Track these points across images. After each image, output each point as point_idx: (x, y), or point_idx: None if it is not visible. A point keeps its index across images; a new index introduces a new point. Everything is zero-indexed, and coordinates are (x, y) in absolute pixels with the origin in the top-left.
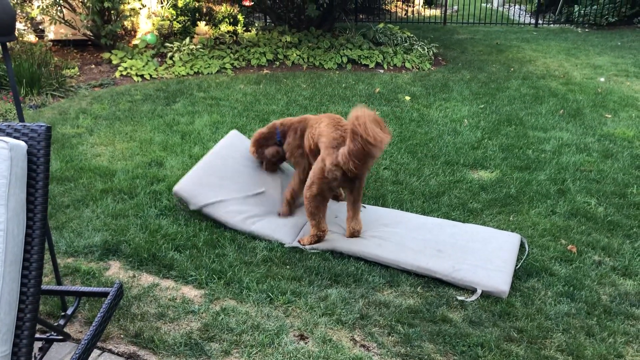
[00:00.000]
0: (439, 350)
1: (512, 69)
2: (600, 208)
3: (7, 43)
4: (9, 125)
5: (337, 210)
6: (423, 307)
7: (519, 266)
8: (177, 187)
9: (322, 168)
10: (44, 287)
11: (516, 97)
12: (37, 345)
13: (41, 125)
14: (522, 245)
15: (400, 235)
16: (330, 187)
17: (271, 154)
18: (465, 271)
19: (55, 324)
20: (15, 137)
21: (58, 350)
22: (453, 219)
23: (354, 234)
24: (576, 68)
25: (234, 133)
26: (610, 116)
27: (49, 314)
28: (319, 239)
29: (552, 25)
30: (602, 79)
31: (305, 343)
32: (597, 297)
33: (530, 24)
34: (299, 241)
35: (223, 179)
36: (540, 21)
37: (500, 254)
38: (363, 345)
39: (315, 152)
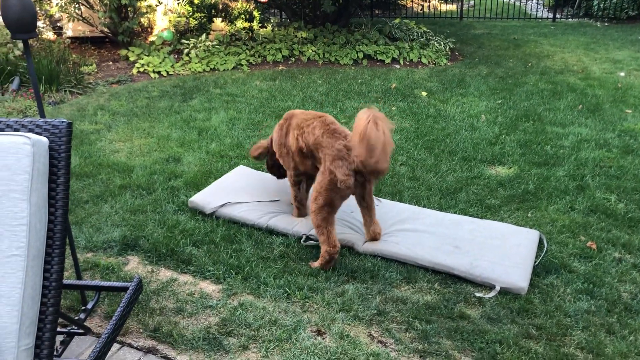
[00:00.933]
0: (457, 347)
1: (529, 64)
2: (620, 204)
3: (29, 40)
4: (31, 121)
5: (354, 205)
6: (440, 303)
7: (537, 263)
8: (191, 199)
9: (331, 180)
10: (64, 281)
11: (534, 92)
12: (59, 338)
13: (62, 121)
14: (540, 241)
15: (418, 232)
16: (342, 196)
17: (265, 155)
18: (483, 268)
19: (76, 318)
20: (37, 133)
21: (79, 344)
22: (471, 216)
23: (375, 237)
24: (595, 63)
25: (240, 168)
26: (630, 111)
27: (69, 308)
28: (330, 258)
29: (570, 19)
30: (622, 74)
31: (323, 339)
32: (617, 294)
33: (548, 18)
34: (309, 265)
35: (236, 190)
36: (558, 15)
37: (518, 250)
38: (380, 341)
39: (307, 155)
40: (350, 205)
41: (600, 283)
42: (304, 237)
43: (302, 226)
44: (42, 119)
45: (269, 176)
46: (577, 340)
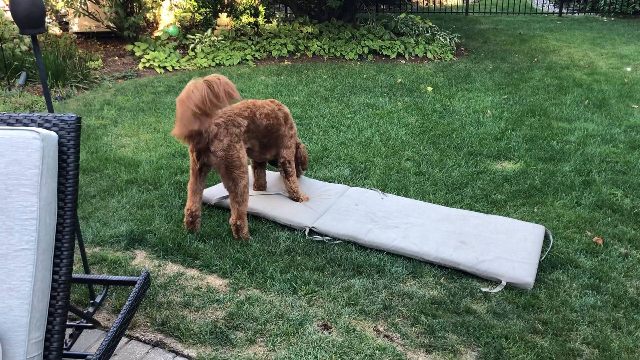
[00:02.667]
0: (463, 342)
1: (535, 59)
2: (626, 200)
3: (37, 35)
4: (40, 116)
5: (357, 199)
6: (447, 298)
7: (543, 258)
8: None
9: None
10: (73, 275)
11: (540, 87)
12: (68, 332)
13: (71, 116)
14: (546, 237)
15: (423, 227)
16: (193, 159)
17: None
18: (489, 263)
19: (85, 311)
20: (46, 128)
21: (87, 337)
22: (476, 211)
23: (232, 228)
24: (601, 58)
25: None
26: (637, 107)
27: (77, 302)
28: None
29: (576, 14)
30: (629, 69)
31: (329, 333)
32: (623, 289)
33: (554, 13)
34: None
35: None
36: (564, 10)
37: (524, 245)
38: (387, 336)
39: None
40: (354, 199)
41: (606, 278)
42: (307, 229)
43: (304, 217)
44: (51, 114)
45: (274, 170)
46: (583, 335)
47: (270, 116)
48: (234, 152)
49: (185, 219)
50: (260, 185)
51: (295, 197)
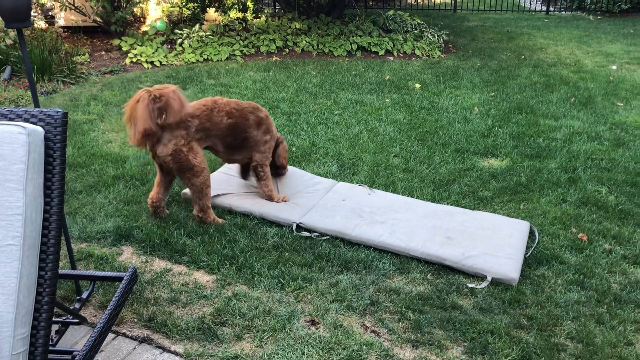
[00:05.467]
0: (449, 337)
1: (522, 57)
2: (611, 196)
3: (22, 29)
4: (26, 111)
5: (344, 194)
6: (433, 294)
7: (529, 254)
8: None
9: None
10: (59, 271)
11: (527, 85)
12: (54, 328)
13: (58, 111)
14: (532, 232)
15: (410, 223)
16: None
17: None
18: (475, 258)
19: (71, 307)
20: (32, 123)
21: (73, 334)
22: (463, 207)
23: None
24: (588, 56)
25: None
26: (622, 104)
27: (64, 298)
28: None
29: (563, 12)
30: (614, 67)
31: (317, 328)
32: (607, 285)
33: (541, 11)
34: None
35: (229, 183)
36: (551, 8)
37: (510, 241)
38: (374, 331)
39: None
40: (342, 194)
41: (590, 274)
42: (295, 225)
43: (291, 213)
44: (37, 109)
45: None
46: (567, 330)
47: (232, 115)
48: (181, 156)
49: (149, 208)
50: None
51: (269, 199)
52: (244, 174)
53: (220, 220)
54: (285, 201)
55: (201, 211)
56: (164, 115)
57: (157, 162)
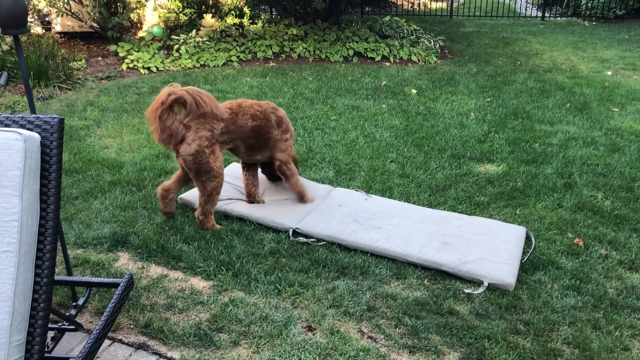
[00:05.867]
0: (446, 342)
1: (518, 62)
2: (607, 202)
3: (19, 35)
4: (23, 117)
5: (341, 200)
6: (430, 299)
7: (525, 259)
8: (181, 196)
9: None
10: (55, 277)
11: (523, 90)
12: (50, 334)
13: (54, 117)
14: (528, 238)
15: (407, 228)
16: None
17: None
18: (471, 264)
19: (67, 314)
20: (28, 129)
21: (69, 340)
22: (460, 212)
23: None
24: (583, 61)
25: (233, 165)
26: (617, 110)
27: (59, 304)
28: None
29: (559, 18)
30: (610, 73)
31: (313, 334)
32: (603, 290)
33: (537, 17)
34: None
35: (225, 189)
36: (547, 14)
37: (506, 246)
38: (370, 337)
39: None
40: (338, 200)
41: (586, 279)
42: (292, 231)
43: (287, 217)
44: (34, 115)
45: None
46: (563, 335)
47: (257, 117)
48: (202, 158)
49: (158, 194)
50: (250, 194)
51: (301, 195)
52: (270, 175)
53: (218, 227)
54: (312, 201)
55: (203, 214)
56: (184, 111)
57: (179, 160)
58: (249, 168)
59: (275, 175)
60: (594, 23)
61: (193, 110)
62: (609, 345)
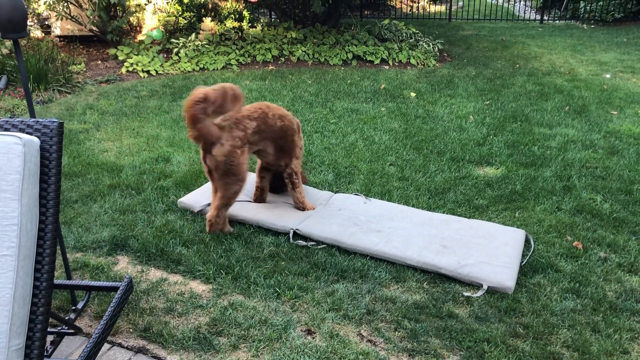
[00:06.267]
0: (445, 346)
1: (517, 66)
2: (606, 205)
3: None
4: (22, 121)
5: (340, 203)
6: (429, 302)
7: (524, 262)
8: (181, 199)
9: None
10: (55, 281)
11: (521, 93)
12: (49, 338)
13: (53, 121)
14: (527, 241)
15: (406, 231)
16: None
17: None
18: (470, 267)
19: (66, 318)
20: (27, 133)
21: (69, 344)
22: (459, 215)
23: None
24: (582, 64)
25: None
26: (616, 113)
27: (59, 308)
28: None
29: (557, 21)
30: (608, 76)
31: (313, 338)
32: (602, 293)
33: (535, 20)
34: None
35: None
36: (545, 17)
37: (505, 249)
38: (370, 341)
39: None
40: (338, 204)
41: (586, 282)
42: (292, 231)
43: (288, 220)
44: (33, 119)
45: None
46: (563, 338)
47: (285, 118)
48: (234, 159)
49: (207, 227)
50: (260, 198)
51: (301, 207)
52: (275, 187)
53: (231, 229)
54: (313, 209)
55: (217, 217)
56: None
57: (207, 166)
58: (266, 174)
59: (276, 185)
60: (592, 26)
61: (217, 104)
62: (609, 348)
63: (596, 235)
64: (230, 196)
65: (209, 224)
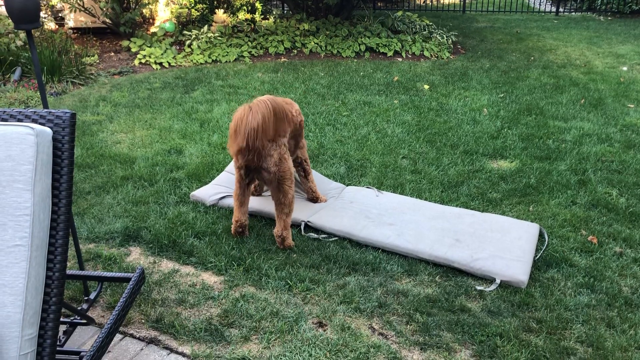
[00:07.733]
0: (458, 340)
1: (532, 58)
2: (621, 199)
3: (32, 30)
4: (35, 112)
5: (352, 196)
6: (441, 296)
7: (538, 257)
8: (193, 193)
9: None
10: (67, 272)
11: (536, 86)
12: (62, 328)
13: (66, 112)
14: (541, 235)
15: (419, 224)
16: (240, 175)
17: None
18: (483, 261)
19: (79, 308)
20: (40, 124)
21: (81, 334)
22: (472, 209)
23: (277, 239)
24: (598, 57)
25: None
26: (633, 106)
27: (71, 298)
28: (234, 229)
29: (573, 13)
30: (625, 68)
31: (324, 330)
32: (617, 288)
33: (551, 12)
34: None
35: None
36: (561, 9)
37: (519, 243)
38: (381, 334)
39: None
40: (350, 197)
41: (600, 277)
42: (303, 224)
43: (299, 212)
44: (46, 110)
45: None
46: (577, 334)
47: (298, 111)
48: (285, 165)
49: (233, 229)
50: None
51: (315, 196)
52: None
53: (293, 244)
54: (325, 201)
55: (285, 229)
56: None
57: (249, 179)
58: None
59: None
60: (609, 18)
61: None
62: (623, 344)
63: (611, 230)
64: (291, 201)
65: (279, 240)
